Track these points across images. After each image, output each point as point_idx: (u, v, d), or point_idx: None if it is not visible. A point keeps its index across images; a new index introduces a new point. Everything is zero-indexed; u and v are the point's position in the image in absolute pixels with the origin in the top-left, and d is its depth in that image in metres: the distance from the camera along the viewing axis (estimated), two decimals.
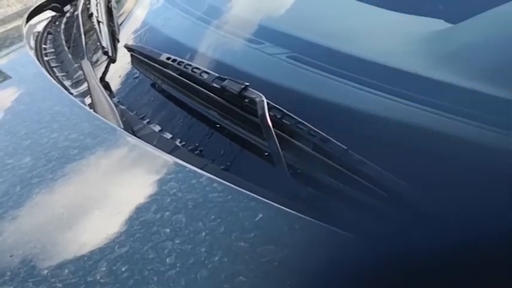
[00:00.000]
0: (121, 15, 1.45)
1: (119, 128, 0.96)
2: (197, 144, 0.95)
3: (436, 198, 0.72)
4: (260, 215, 0.75)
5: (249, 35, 1.11)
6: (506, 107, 0.80)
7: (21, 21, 1.51)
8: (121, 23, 1.41)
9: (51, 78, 1.18)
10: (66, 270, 0.73)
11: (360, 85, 0.90)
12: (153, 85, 1.10)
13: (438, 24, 1.04)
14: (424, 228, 0.72)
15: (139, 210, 0.80)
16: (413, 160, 0.80)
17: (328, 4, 1.20)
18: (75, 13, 1.38)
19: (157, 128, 1.02)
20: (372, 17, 1.14)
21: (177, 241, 0.74)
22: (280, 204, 0.77)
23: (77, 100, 1.07)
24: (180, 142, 0.97)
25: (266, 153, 0.86)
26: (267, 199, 0.78)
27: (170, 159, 0.88)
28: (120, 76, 1.19)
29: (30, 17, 1.55)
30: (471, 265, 0.66)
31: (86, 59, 1.22)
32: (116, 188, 0.85)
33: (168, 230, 0.75)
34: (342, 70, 0.94)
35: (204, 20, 1.20)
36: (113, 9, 1.41)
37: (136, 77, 1.15)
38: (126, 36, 1.32)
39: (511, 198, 0.71)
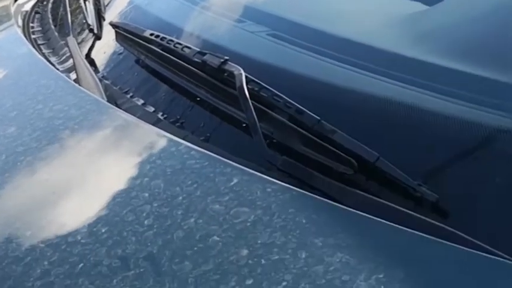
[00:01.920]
0: None
1: (102, 100, 0.99)
2: (179, 117, 0.98)
3: (404, 167, 0.75)
4: (235, 180, 0.79)
5: (232, 14, 1.14)
6: (479, 84, 0.84)
7: (9, 1, 1.53)
8: (108, 2, 1.43)
9: (38, 54, 1.20)
10: (49, 232, 0.76)
11: (336, 61, 0.94)
12: (137, 61, 1.13)
13: (417, 6, 1.08)
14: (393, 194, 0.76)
15: (120, 176, 0.84)
16: (383, 131, 0.83)
17: None
18: None
19: (140, 102, 1.05)
20: None
21: (155, 204, 0.77)
22: (255, 171, 0.80)
23: (62, 74, 1.09)
24: (162, 115, 1.01)
25: (244, 124, 0.89)
26: (242, 166, 0.81)
27: (151, 129, 0.91)
28: (105, 52, 1.22)
29: None
30: None
31: (71, 36, 1.25)
32: (98, 156, 0.89)
33: (146, 195, 0.79)
34: (320, 47, 0.97)
35: None
36: None
37: (121, 53, 1.18)
38: (112, 14, 1.35)
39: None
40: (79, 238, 0.75)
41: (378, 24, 1.06)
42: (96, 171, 0.85)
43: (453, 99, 0.82)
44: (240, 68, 0.89)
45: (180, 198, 0.77)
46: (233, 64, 0.91)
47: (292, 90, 0.90)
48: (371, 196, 0.75)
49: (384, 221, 0.70)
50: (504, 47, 0.90)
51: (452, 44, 0.93)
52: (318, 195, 0.76)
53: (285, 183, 0.78)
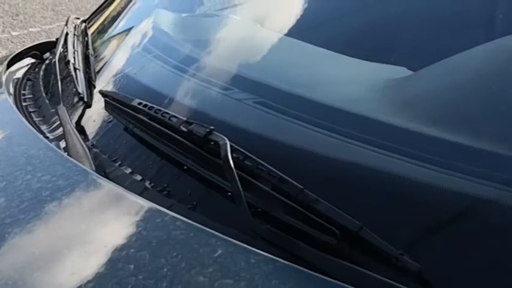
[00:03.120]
0: (99, 62, 1.51)
1: (90, 170, 1.01)
2: (165, 185, 0.99)
3: (387, 236, 0.76)
4: (219, 251, 0.79)
5: (219, 81, 1.17)
6: (463, 153, 0.86)
7: (1, 68, 1.56)
8: (98, 70, 1.46)
9: (27, 123, 1.22)
10: None
11: (319, 129, 0.96)
12: (125, 129, 1.15)
13: (400, 72, 1.10)
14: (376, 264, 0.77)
15: (106, 248, 0.84)
16: (366, 200, 0.85)
17: (296, 52, 1.26)
18: (53, 60, 1.43)
19: (128, 170, 1.06)
20: (337, 64, 1.19)
21: (140, 276, 0.77)
22: (240, 241, 0.81)
23: (51, 144, 1.11)
24: (149, 183, 1.02)
25: (229, 193, 0.90)
26: (227, 236, 0.82)
27: (138, 199, 0.92)
28: (94, 121, 1.24)
29: (10, 63, 1.60)
30: None
31: (61, 105, 1.26)
32: (85, 228, 0.89)
33: (132, 266, 0.79)
34: (304, 115, 1.00)
35: (175, 66, 1.25)
36: (90, 56, 1.46)
37: (110, 122, 1.20)
38: (102, 82, 1.37)
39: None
40: None
41: (363, 92, 1.08)
42: (81, 243, 0.86)
43: (436, 167, 0.84)
44: (225, 138, 0.91)
45: (165, 270, 0.78)
46: (218, 134, 0.93)
47: (277, 158, 0.92)
48: (354, 266, 0.76)
49: None
50: (487, 114, 0.92)
51: (435, 112, 0.96)
52: (302, 266, 0.77)
53: (270, 253, 0.79)
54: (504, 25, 1.33)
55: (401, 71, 1.11)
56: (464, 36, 1.20)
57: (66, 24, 1.59)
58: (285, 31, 1.32)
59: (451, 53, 1.07)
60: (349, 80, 1.15)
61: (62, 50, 1.48)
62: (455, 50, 1.08)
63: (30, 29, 4.89)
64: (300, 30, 1.31)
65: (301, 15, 1.39)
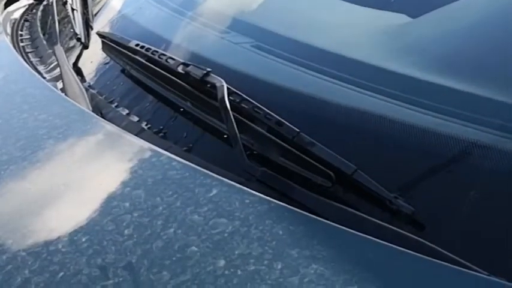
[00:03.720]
0: (97, 3, 1.49)
1: (86, 110, 1.01)
2: (162, 127, 0.99)
3: (382, 179, 0.77)
4: (214, 191, 0.80)
5: (217, 25, 1.16)
6: (457, 98, 0.85)
7: None
8: (96, 12, 1.45)
9: (24, 63, 1.22)
10: (30, 240, 0.77)
11: (316, 73, 0.95)
12: (122, 70, 1.14)
13: (400, 19, 1.09)
14: (370, 206, 0.77)
15: (102, 186, 0.85)
16: (362, 144, 0.85)
17: None
18: (51, 1, 1.42)
19: (125, 112, 1.06)
20: (337, 10, 1.18)
21: (135, 214, 0.78)
22: (235, 182, 0.82)
23: (48, 83, 1.11)
24: (146, 125, 1.02)
25: (225, 135, 0.90)
26: (222, 177, 0.82)
27: (134, 139, 0.93)
28: (92, 62, 1.23)
29: (7, 4, 1.58)
30: None
31: (59, 45, 1.26)
32: (81, 166, 0.90)
33: (127, 204, 0.80)
34: (302, 59, 0.99)
35: (173, 8, 1.24)
36: None
37: (107, 63, 1.19)
38: (100, 24, 1.36)
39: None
40: (60, 247, 0.76)
41: (360, 36, 1.07)
42: (78, 180, 0.86)
43: (431, 112, 0.84)
44: (222, 80, 0.90)
45: (160, 208, 0.79)
46: (215, 76, 0.92)
47: (274, 101, 0.92)
48: (348, 208, 0.77)
49: (360, 234, 0.71)
50: (485, 61, 0.91)
51: (433, 57, 0.95)
52: (296, 207, 0.77)
53: (264, 194, 0.80)
54: None
55: (402, 18, 1.10)
56: None
57: None
58: None
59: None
60: (348, 25, 1.14)
61: None
62: None
63: None
64: None
65: None
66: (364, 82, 0.91)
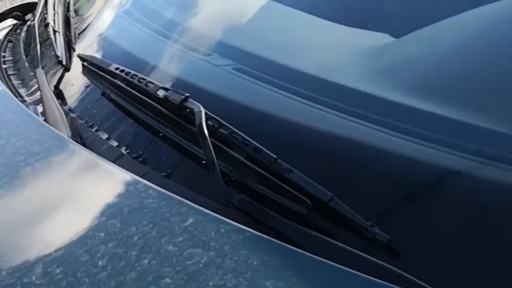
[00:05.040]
0: (80, 24, 1.48)
1: (65, 136, 1.00)
2: (141, 152, 0.99)
3: (358, 207, 0.76)
4: (190, 220, 0.79)
5: (198, 47, 1.15)
6: (433, 122, 0.85)
7: None
8: (80, 33, 1.44)
9: (5, 86, 1.21)
10: (4, 272, 0.77)
11: (295, 96, 0.95)
12: (103, 94, 1.14)
13: (382, 38, 1.09)
14: (346, 234, 0.76)
15: (78, 215, 0.84)
16: (340, 170, 0.84)
17: (278, 17, 1.25)
18: (33, 23, 1.41)
19: (104, 136, 1.05)
20: (319, 30, 1.18)
21: (110, 245, 0.77)
22: (212, 210, 0.81)
23: (26, 108, 1.10)
24: (125, 150, 1.01)
25: (204, 161, 0.90)
26: (199, 205, 0.82)
27: (111, 167, 0.92)
28: (73, 85, 1.23)
29: None
30: None
31: (40, 68, 1.25)
32: (57, 194, 0.89)
33: (102, 234, 0.79)
34: (281, 82, 0.98)
35: (155, 30, 1.24)
36: (71, 18, 1.44)
37: (88, 86, 1.19)
38: (82, 46, 1.36)
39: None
40: (34, 279, 0.75)
41: (341, 58, 1.07)
42: (53, 209, 0.85)
43: (410, 138, 0.83)
44: (199, 106, 0.90)
45: (136, 238, 0.78)
46: (193, 101, 0.92)
47: (253, 127, 0.91)
48: (324, 237, 0.76)
49: (335, 264, 0.71)
50: (464, 84, 0.91)
51: (412, 81, 0.95)
52: (273, 235, 0.77)
53: (241, 222, 0.79)
54: None
55: (384, 38, 1.10)
56: (449, 2, 1.19)
57: None
58: None
59: (435, 19, 1.06)
60: (330, 46, 1.14)
61: (42, 11, 1.46)
62: (439, 17, 1.06)
63: None
64: None
65: None
66: (344, 106, 0.91)
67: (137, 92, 1.03)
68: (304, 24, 1.21)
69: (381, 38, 1.09)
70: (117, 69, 1.08)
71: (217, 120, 0.89)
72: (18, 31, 1.62)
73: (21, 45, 1.49)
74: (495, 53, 0.94)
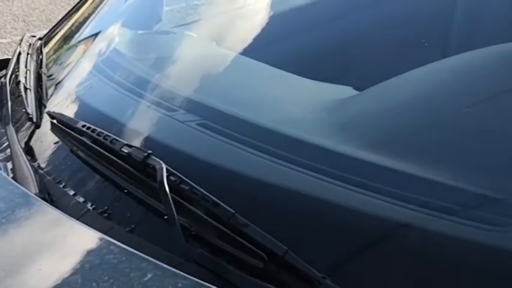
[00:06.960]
0: (52, 81, 1.51)
1: (30, 193, 1.02)
2: (106, 208, 1.01)
3: (315, 261, 0.79)
4: (149, 275, 0.81)
5: (163, 102, 1.18)
6: (386, 176, 0.88)
7: None
8: (51, 90, 1.47)
9: None
10: None
11: (256, 151, 0.98)
12: (71, 151, 1.16)
13: (345, 92, 1.13)
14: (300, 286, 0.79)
15: (41, 272, 0.86)
16: (296, 224, 0.87)
17: (244, 71, 1.29)
18: (3, 81, 1.44)
19: (71, 192, 1.07)
20: (285, 84, 1.22)
21: None
22: (172, 265, 0.83)
23: None
24: (91, 206, 1.03)
25: (165, 217, 0.92)
26: (159, 260, 0.84)
27: (74, 223, 0.94)
28: (42, 142, 1.25)
29: None
30: None
31: (10, 125, 1.27)
32: (20, 251, 0.91)
33: None
34: (242, 137, 1.02)
35: (123, 86, 1.27)
36: (43, 75, 1.47)
37: (57, 143, 1.21)
38: (53, 103, 1.38)
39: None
40: None
41: (304, 113, 1.10)
42: (16, 266, 0.87)
43: (364, 191, 0.86)
44: (161, 162, 0.93)
45: None
46: (155, 158, 0.94)
47: (213, 182, 0.94)
48: None
49: None
50: (421, 138, 0.94)
51: (369, 135, 0.98)
52: None
53: (200, 277, 0.81)
54: (451, 46, 1.37)
55: (347, 91, 1.14)
56: (411, 56, 1.23)
57: (20, 44, 1.59)
58: (238, 49, 1.34)
59: (396, 72, 1.10)
60: (293, 100, 1.17)
61: (14, 69, 1.49)
62: (400, 70, 1.10)
63: (1, 40, 4.87)
64: (252, 48, 1.34)
65: (256, 33, 1.42)
66: (302, 160, 0.94)
67: (103, 149, 1.05)
68: (268, 79, 1.25)
69: (344, 91, 1.12)
70: (83, 126, 1.11)
71: (179, 176, 0.92)
72: None
73: None
74: (448, 106, 0.98)
